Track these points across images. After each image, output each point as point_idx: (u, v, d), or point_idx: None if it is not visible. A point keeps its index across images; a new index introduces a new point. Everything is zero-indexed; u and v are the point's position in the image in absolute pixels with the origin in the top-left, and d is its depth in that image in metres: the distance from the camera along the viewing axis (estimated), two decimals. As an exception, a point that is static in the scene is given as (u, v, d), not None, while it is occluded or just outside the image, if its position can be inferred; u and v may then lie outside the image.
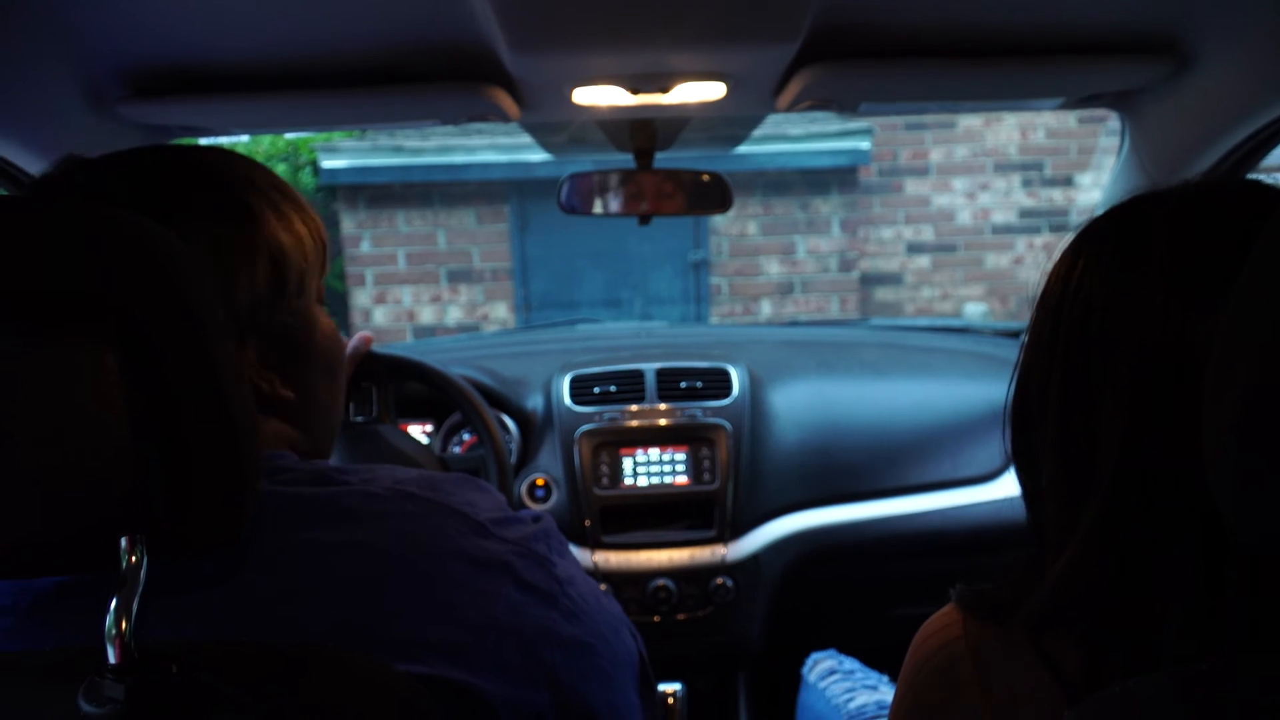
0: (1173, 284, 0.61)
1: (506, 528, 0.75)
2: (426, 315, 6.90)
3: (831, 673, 1.53)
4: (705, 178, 1.70)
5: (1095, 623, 0.64)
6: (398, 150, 6.60)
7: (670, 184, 1.67)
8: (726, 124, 2.33)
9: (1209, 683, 0.52)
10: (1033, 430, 0.70)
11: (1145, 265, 0.63)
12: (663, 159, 1.67)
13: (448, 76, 1.20)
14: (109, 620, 0.55)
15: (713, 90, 1.26)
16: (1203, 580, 0.59)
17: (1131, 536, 0.62)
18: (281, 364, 0.80)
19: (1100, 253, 0.67)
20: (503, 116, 1.31)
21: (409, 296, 6.86)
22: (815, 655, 1.60)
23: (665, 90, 1.25)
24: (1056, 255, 0.71)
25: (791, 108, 1.33)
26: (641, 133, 1.60)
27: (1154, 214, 0.65)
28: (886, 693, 1.44)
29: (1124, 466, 0.62)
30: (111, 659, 0.55)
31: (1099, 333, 0.64)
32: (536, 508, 1.81)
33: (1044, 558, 0.68)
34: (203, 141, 1.07)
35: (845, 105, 1.34)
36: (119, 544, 0.56)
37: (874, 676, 1.51)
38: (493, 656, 0.69)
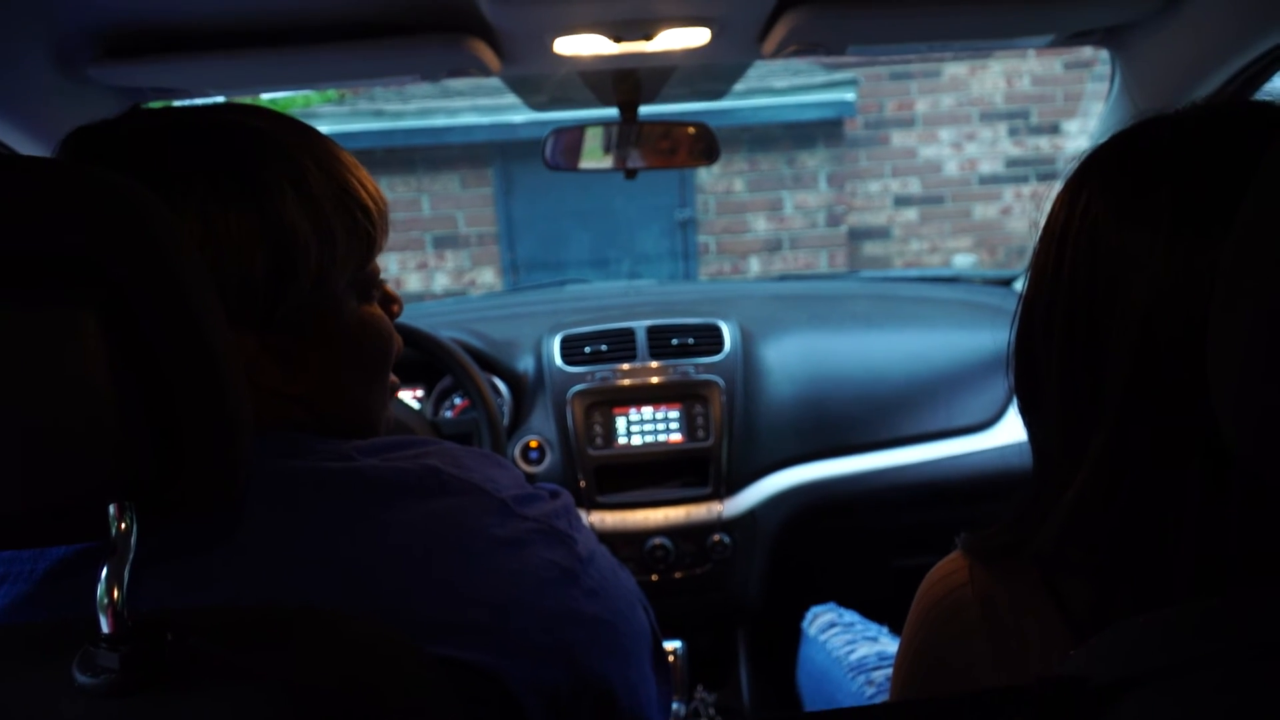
0: (1181, 208, 0.60)
1: (528, 505, 0.74)
2: (413, 282, 6.86)
3: (832, 625, 1.53)
4: (691, 130, 1.68)
5: (1104, 558, 0.63)
6: (378, 114, 6.52)
7: (656, 137, 1.65)
8: (709, 77, 2.30)
9: (1217, 617, 0.51)
10: (1037, 363, 0.69)
11: (1153, 190, 0.62)
12: (647, 113, 1.65)
13: (426, 29, 1.17)
14: (100, 589, 0.54)
15: (697, 36, 1.24)
16: (1212, 513, 0.59)
17: (1138, 468, 0.61)
18: (288, 356, 0.74)
19: (1106, 178, 0.65)
20: (484, 70, 1.28)
21: (394, 264, 6.81)
22: (815, 609, 1.61)
23: (649, 37, 1.22)
24: (1060, 184, 0.70)
25: (777, 53, 1.31)
26: (625, 84, 1.58)
27: (1161, 138, 0.64)
28: (887, 644, 1.44)
29: (1131, 395, 0.61)
30: (105, 628, 0.54)
31: (1105, 259, 0.63)
32: (530, 469, 1.80)
33: (1050, 494, 0.68)
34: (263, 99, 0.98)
35: (831, 49, 1.31)
36: (108, 511, 0.55)
37: (874, 628, 1.52)
38: (513, 637, 0.68)
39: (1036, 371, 0.69)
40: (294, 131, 0.75)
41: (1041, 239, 0.70)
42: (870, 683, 1.35)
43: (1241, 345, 0.48)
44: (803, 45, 1.27)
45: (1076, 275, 0.65)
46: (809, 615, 1.61)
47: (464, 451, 0.76)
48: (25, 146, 1.19)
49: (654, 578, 1.81)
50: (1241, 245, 0.49)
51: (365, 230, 0.76)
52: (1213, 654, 0.50)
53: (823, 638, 1.52)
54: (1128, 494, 0.62)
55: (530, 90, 2.31)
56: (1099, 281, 0.63)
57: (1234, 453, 0.51)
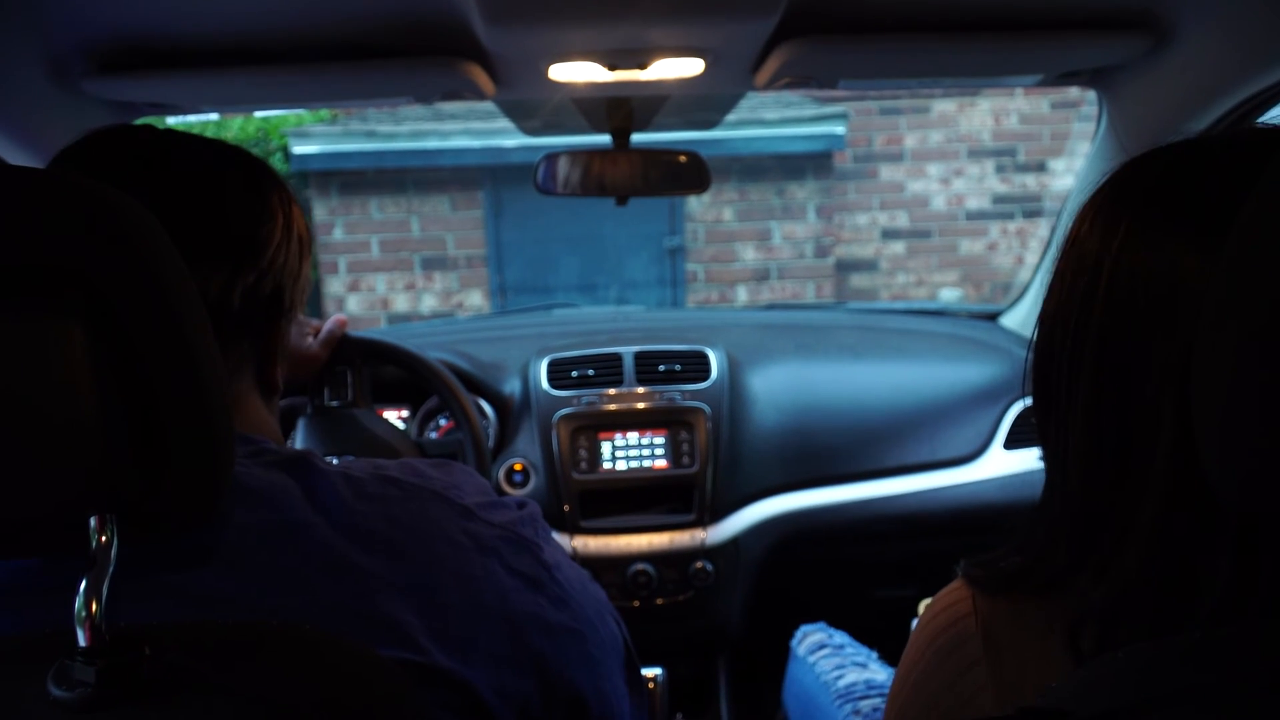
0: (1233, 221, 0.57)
1: (492, 512, 0.74)
2: (401, 303, 6.85)
3: (821, 647, 1.51)
4: (682, 158, 1.68)
5: (1119, 595, 0.60)
6: (370, 135, 6.53)
7: (648, 164, 1.66)
8: (702, 107, 2.31)
9: (1202, 651, 0.51)
10: (1058, 394, 0.66)
11: (1206, 206, 0.59)
12: (639, 140, 1.66)
13: (421, 51, 1.18)
14: (78, 602, 0.53)
15: (691, 66, 1.25)
16: (1241, 557, 0.56)
17: (1162, 507, 0.58)
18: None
19: (1149, 199, 0.62)
20: (478, 94, 1.29)
21: (383, 284, 6.80)
22: (805, 628, 1.59)
23: (643, 67, 1.23)
24: (1079, 211, 0.67)
25: (770, 85, 1.32)
26: (618, 112, 1.58)
27: (1214, 156, 0.61)
28: (876, 670, 1.43)
29: (1179, 445, 0.57)
30: (81, 641, 0.53)
31: (1151, 280, 0.59)
32: (514, 493, 1.79)
33: (1063, 524, 0.66)
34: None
35: (824, 82, 1.33)
36: (88, 524, 0.55)
37: (864, 653, 1.49)
38: (480, 643, 0.68)
39: (1056, 402, 0.66)
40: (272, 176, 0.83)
41: (1066, 265, 0.66)
42: (857, 712, 1.33)
43: (1227, 369, 0.47)
44: (795, 78, 1.29)
45: (1114, 299, 0.61)
46: (798, 634, 1.59)
47: (425, 462, 0.77)
48: (16, 157, 1.19)
49: (635, 604, 1.80)
50: (1235, 262, 0.47)
51: (308, 262, 0.85)
52: (1197, 687, 0.49)
53: (811, 659, 1.50)
54: (1149, 533, 0.59)
55: (523, 115, 2.32)
56: (1139, 304, 0.60)
57: (1212, 484, 0.51)
